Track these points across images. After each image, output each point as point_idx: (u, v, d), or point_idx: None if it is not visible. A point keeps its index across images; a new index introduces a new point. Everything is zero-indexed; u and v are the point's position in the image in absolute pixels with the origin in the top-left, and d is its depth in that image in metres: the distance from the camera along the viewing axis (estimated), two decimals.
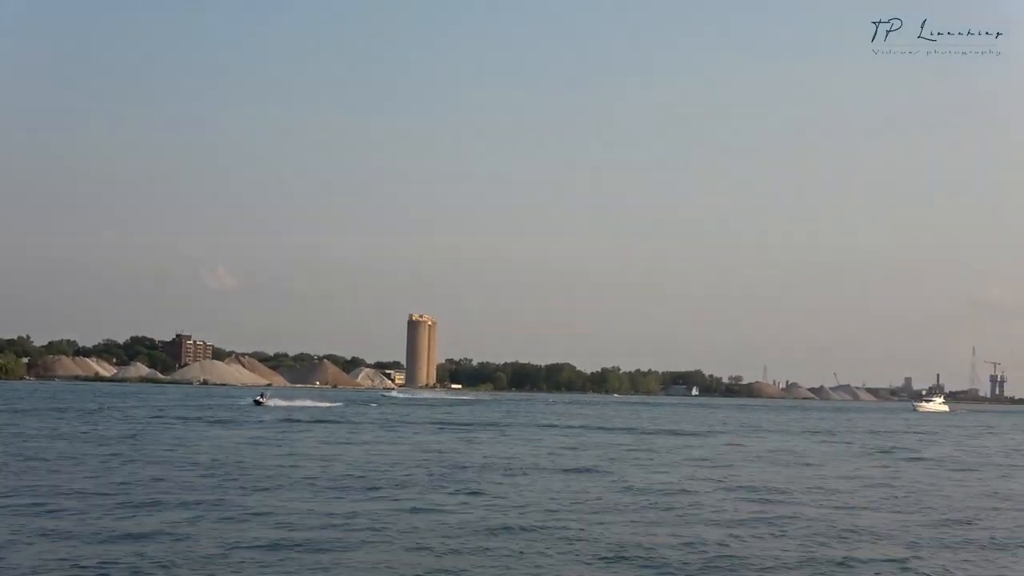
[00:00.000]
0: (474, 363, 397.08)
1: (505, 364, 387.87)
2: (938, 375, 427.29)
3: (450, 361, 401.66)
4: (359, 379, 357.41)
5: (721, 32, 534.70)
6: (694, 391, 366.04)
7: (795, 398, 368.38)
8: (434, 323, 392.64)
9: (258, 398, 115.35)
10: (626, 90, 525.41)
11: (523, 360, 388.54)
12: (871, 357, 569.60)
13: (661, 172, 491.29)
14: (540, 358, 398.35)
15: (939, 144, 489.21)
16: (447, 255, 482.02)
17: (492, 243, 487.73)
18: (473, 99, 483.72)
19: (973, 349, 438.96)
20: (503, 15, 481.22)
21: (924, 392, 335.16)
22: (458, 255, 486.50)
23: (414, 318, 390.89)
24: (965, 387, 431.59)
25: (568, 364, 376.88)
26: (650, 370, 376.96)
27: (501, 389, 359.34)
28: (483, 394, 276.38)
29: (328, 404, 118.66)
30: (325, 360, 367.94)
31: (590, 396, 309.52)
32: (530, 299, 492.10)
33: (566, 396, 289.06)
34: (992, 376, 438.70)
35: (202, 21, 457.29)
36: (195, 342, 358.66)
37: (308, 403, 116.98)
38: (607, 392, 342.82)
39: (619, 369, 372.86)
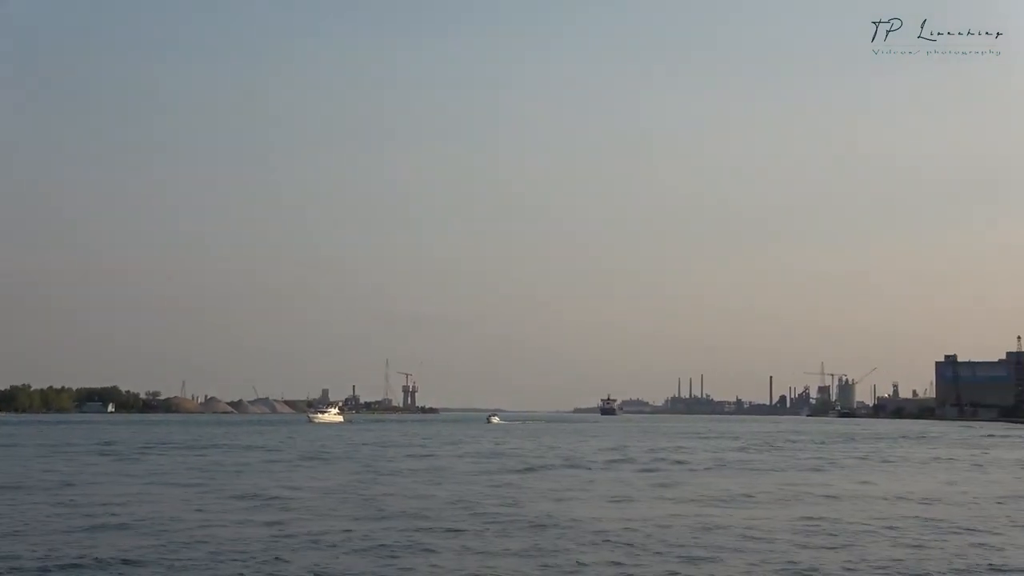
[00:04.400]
0: None
1: None
2: (354, 386, 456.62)
3: None
4: None
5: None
6: (110, 408, 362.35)
7: (214, 412, 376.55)
8: None
9: None
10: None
11: None
12: (291, 370, 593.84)
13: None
14: None
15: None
16: None
17: None
18: None
19: (387, 361, 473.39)
20: None
21: (340, 403, 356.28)
22: None
23: None
24: (380, 397, 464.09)
25: None
26: (64, 387, 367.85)
27: None
28: None
29: None
30: None
31: None
32: None
33: None
34: (405, 387, 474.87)
35: None
36: None
37: None
38: (16, 411, 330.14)
39: (30, 386, 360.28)
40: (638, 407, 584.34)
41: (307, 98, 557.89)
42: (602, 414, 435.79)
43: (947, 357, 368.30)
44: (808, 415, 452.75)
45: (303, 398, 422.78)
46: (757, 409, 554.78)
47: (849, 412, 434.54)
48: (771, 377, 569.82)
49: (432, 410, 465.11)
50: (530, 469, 56.63)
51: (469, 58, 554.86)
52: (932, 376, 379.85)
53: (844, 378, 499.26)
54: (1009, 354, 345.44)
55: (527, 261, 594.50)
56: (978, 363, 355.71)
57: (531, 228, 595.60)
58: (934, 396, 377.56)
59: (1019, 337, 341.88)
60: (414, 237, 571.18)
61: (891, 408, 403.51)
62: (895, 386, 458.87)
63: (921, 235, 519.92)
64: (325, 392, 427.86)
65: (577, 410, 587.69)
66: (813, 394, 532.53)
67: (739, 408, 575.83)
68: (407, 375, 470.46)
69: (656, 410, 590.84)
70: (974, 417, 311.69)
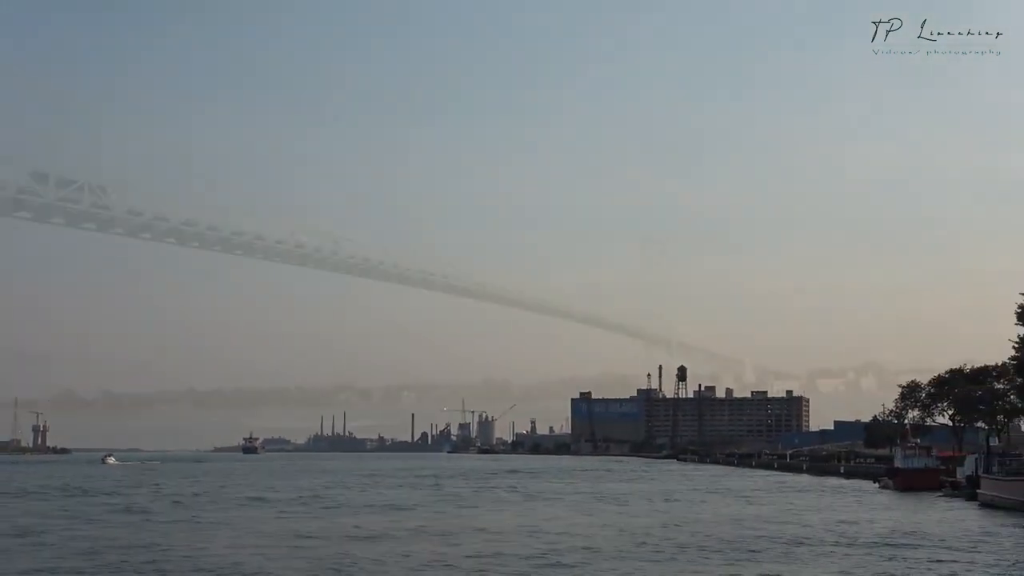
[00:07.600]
0: None
1: None
2: None
3: None
4: None
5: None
6: None
7: None
8: None
9: None
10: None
11: None
12: None
13: None
14: None
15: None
16: None
17: None
18: None
19: (16, 399, 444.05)
20: None
21: None
22: None
23: None
24: (8, 438, 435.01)
25: None
26: None
27: None
28: None
29: None
30: None
31: None
32: None
33: None
34: (35, 426, 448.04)
35: None
36: None
37: None
38: None
39: None
40: (280, 445, 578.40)
41: None
42: (244, 453, 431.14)
43: (582, 394, 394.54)
44: (450, 452, 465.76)
45: None
46: (400, 446, 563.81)
47: (489, 448, 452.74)
48: (413, 415, 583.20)
49: (64, 450, 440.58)
50: None
51: None
52: (568, 413, 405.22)
53: (484, 415, 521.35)
54: (640, 391, 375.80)
55: (156, 294, 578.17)
56: (611, 400, 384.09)
57: (158, 258, 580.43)
58: (570, 432, 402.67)
59: (649, 375, 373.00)
60: (40, 273, 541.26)
61: (529, 444, 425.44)
62: (533, 423, 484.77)
63: (540, 273, 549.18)
64: None
65: (217, 449, 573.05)
66: (454, 431, 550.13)
67: (381, 445, 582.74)
68: (38, 414, 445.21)
69: (298, 448, 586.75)
70: (607, 452, 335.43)
